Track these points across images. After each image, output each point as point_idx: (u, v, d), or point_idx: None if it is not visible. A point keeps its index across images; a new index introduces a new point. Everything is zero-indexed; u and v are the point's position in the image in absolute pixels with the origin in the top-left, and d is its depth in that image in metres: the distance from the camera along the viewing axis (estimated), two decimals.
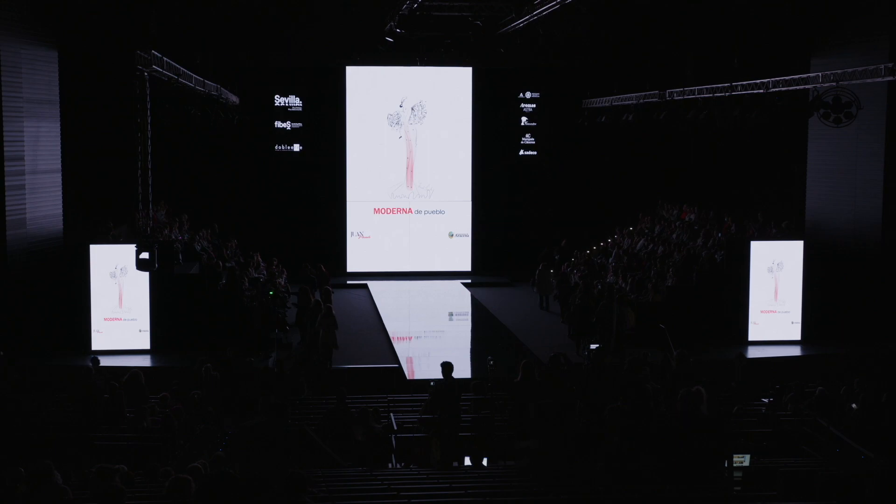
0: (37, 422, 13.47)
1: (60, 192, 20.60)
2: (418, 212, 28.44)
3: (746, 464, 10.76)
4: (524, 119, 28.90)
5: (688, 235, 23.57)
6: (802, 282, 19.95)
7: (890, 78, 15.60)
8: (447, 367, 13.07)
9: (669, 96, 22.80)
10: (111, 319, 19.16)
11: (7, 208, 18.34)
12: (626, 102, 24.80)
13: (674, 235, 24.10)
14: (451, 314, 25.20)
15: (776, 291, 19.99)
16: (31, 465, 8.24)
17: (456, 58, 27.22)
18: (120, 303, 19.16)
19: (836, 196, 21.19)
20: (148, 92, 17.82)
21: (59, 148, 20.58)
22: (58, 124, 20.53)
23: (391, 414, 13.96)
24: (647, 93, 23.62)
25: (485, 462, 12.95)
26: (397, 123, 28.17)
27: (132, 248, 17.24)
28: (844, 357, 18.44)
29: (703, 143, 25.66)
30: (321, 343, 18.36)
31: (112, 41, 19.72)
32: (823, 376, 16.23)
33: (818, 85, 17.33)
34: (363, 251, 28.30)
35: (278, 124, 27.99)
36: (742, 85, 19.36)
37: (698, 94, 21.24)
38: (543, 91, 28.72)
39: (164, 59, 18.02)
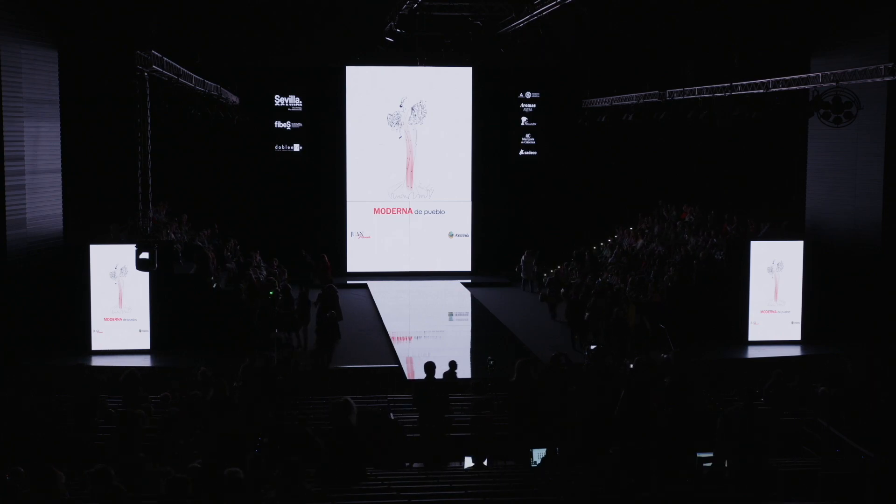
0: (36, 422, 13.43)
1: (60, 192, 20.61)
2: (418, 212, 28.43)
3: None
4: (524, 119, 28.89)
5: (688, 235, 23.55)
6: (802, 282, 19.96)
7: (890, 78, 15.60)
8: (429, 366, 13.17)
9: (669, 96, 22.78)
10: (111, 319, 19.17)
11: (7, 208, 18.35)
12: (626, 102, 24.78)
13: (674, 235, 24.08)
14: (451, 314, 25.17)
15: (776, 291, 19.99)
16: (32, 465, 8.24)
17: (456, 58, 27.19)
18: (120, 303, 19.17)
19: (836, 196, 21.19)
20: (148, 92, 17.83)
21: (59, 148, 20.59)
22: (58, 124, 20.53)
23: (391, 414, 13.93)
24: (647, 93, 23.61)
25: (485, 462, 12.94)
26: (397, 123, 28.16)
27: (132, 248, 17.26)
28: (844, 357, 18.42)
29: (703, 143, 25.64)
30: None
31: (112, 41, 19.70)
32: (823, 377, 16.19)
33: (818, 85, 17.33)
34: (363, 251, 28.30)
35: (278, 124, 27.98)
36: (742, 85, 19.36)
37: (698, 94, 21.23)
38: (543, 91, 28.71)
39: (164, 59, 18.03)
